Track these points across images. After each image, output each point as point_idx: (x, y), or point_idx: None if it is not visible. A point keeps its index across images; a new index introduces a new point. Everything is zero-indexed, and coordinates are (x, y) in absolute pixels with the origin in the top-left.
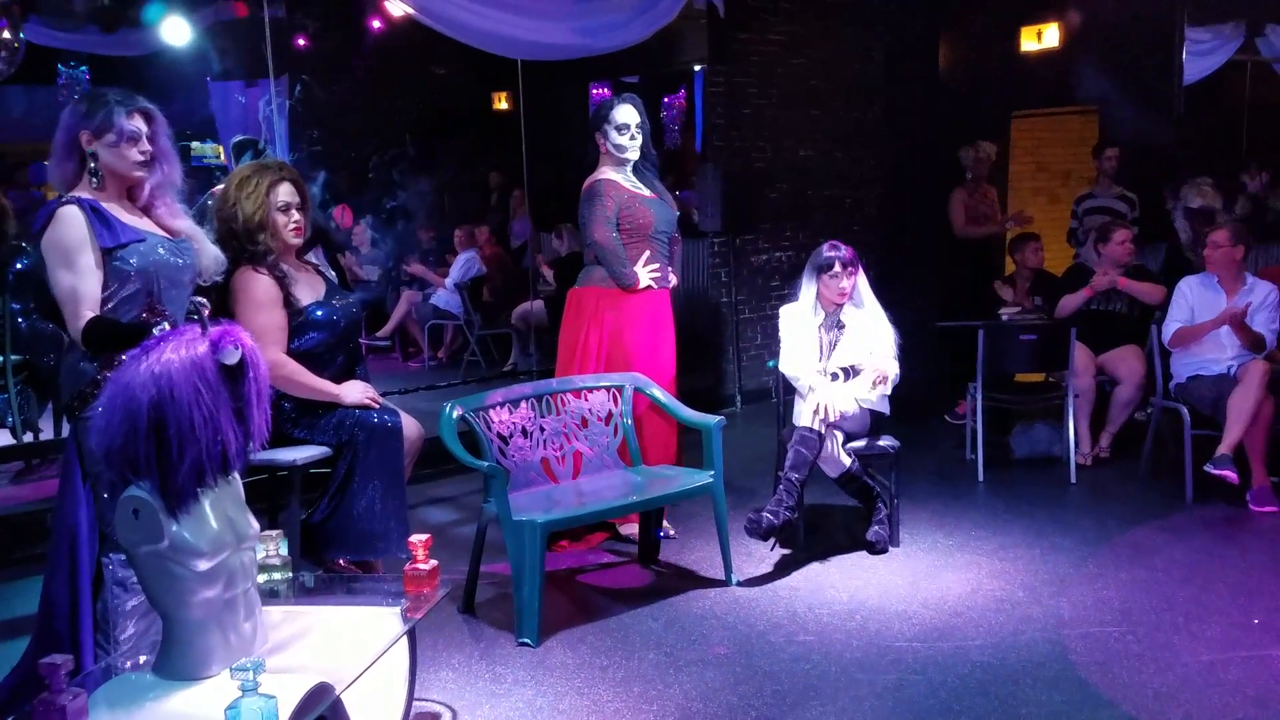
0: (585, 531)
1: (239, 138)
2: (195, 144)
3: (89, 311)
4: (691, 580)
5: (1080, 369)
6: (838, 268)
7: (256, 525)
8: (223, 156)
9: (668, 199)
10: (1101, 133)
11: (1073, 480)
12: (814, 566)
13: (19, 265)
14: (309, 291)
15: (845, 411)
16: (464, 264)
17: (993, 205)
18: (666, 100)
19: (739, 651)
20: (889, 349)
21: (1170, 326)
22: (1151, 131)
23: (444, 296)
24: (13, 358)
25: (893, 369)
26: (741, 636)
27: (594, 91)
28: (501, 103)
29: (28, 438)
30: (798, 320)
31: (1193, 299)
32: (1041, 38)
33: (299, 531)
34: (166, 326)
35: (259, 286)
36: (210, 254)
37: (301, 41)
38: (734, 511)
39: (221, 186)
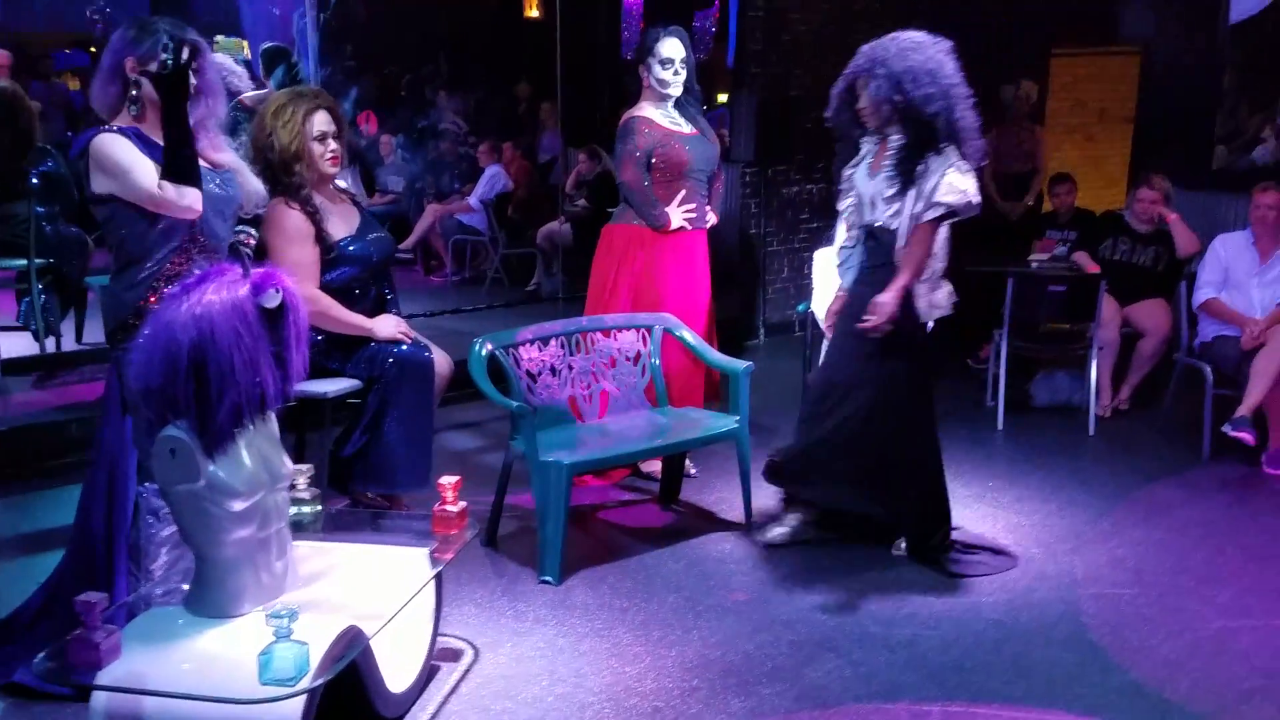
0: (607, 467)
1: (268, 45)
2: (220, 38)
3: (157, 178)
4: (712, 522)
5: (1106, 320)
6: None
7: (291, 465)
8: (246, 51)
9: (710, 135)
10: (1143, 73)
11: (1091, 431)
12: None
13: (45, 168)
14: (342, 226)
15: None
16: (489, 180)
17: (1036, 143)
18: (699, 14)
19: (757, 599)
20: None
21: (1202, 291)
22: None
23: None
24: (37, 262)
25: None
26: (760, 583)
27: (626, 1)
28: (533, 9)
29: (50, 343)
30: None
31: (1226, 259)
32: None
33: (327, 463)
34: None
35: (291, 221)
36: (252, 185)
37: None
38: (756, 450)
39: (251, 93)
